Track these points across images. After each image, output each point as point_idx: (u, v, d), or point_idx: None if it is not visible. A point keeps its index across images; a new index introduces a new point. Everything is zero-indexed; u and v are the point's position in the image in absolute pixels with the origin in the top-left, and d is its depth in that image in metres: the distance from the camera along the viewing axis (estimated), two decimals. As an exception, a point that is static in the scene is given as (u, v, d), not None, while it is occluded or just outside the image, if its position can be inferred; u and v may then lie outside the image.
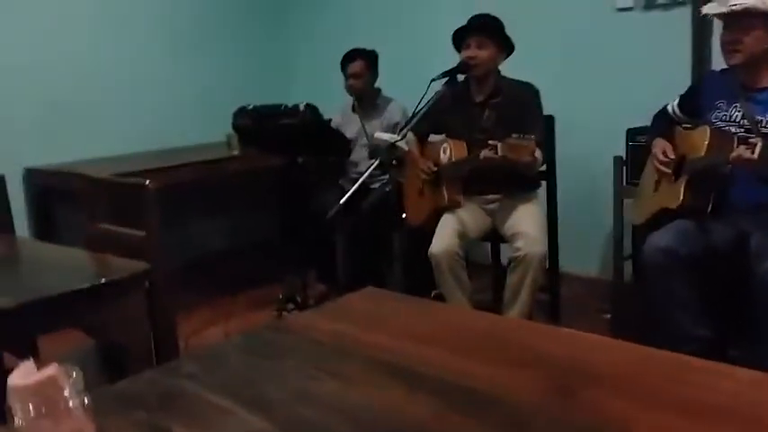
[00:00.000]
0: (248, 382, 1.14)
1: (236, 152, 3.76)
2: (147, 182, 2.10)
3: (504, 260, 2.85)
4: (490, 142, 2.45)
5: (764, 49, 2.25)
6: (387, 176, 2.74)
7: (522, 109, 2.79)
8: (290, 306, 3.30)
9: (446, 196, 2.85)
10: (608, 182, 3.01)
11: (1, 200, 2.63)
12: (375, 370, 1.16)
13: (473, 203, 2.91)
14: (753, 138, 2.17)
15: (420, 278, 2.82)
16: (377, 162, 2.60)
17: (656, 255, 2.34)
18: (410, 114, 3.00)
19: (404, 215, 2.99)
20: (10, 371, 0.89)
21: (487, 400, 1.03)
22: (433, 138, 3.09)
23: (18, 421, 0.85)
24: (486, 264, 3.35)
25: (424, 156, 3.02)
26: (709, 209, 2.34)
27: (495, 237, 2.98)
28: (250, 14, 4.66)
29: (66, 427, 0.86)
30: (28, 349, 1.88)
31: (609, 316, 3.11)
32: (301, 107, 3.04)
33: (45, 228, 3.61)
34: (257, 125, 3.19)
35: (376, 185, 3.39)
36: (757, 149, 2.00)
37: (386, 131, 3.35)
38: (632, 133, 2.94)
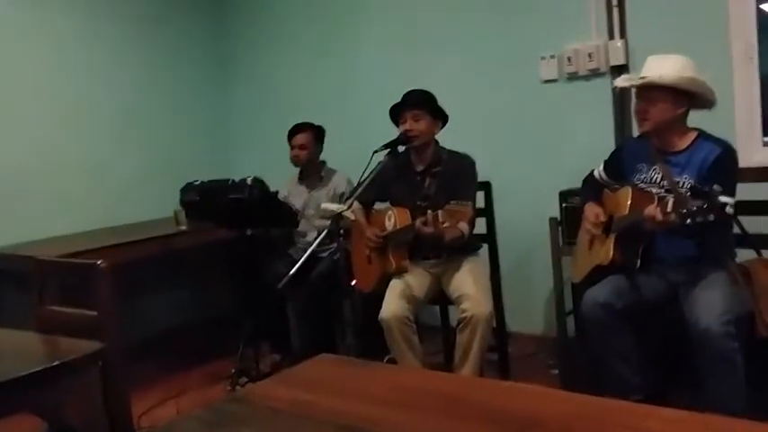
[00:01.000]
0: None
1: (183, 227, 3.79)
2: (99, 262, 2.12)
3: (453, 321, 2.92)
4: (429, 212, 2.58)
5: (671, 117, 2.43)
6: (335, 245, 2.82)
7: (460, 178, 2.94)
8: (244, 380, 3.29)
9: (393, 263, 2.94)
10: (546, 242, 3.16)
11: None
12: (333, 434, 1.20)
13: (419, 268, 3.01)
14: (668, 195, 2.35)
15: (372, 344, 2.87)
16: (325, 232, 2.69)
17: (594, 310, 2.46)
18: (355, 184, 3.11)
19: (353, 282, 3.05)
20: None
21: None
22: (378, 206, 3.20)
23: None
24: (436, 325, 3.43)
25: (371, 223, 3.12)
26: (638, 264, 2.49)
27: (443, 299, 3.06)
28: (193, 92, 4.78)
29: None
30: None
31: (557, 371, 3.22)
32: (249, 181, 3.12)
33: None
34: (205, 200, 3.24)
35: (325, 254, 3.47)
36: (670, 204, 2.14)
37: (332, 202, 3.45)
38: (564, 195, 3.12)
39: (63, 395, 1.81)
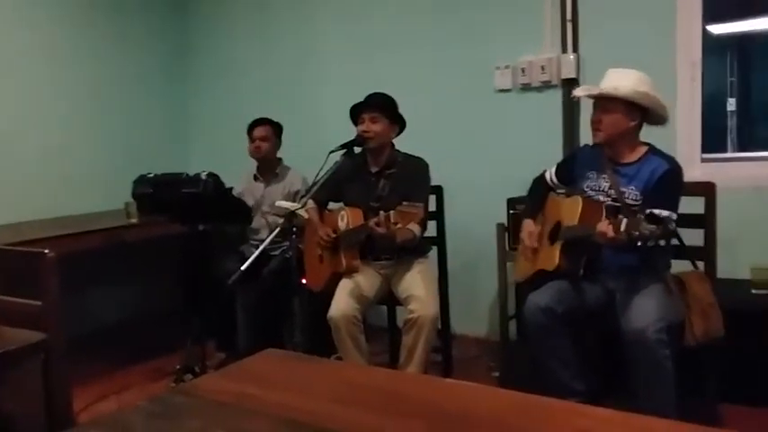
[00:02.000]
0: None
1: (134, 220, 3.73)
2: (46, 251, 2.10)
3: (399, 323, 2.97)
4: (381, 213, 2.62)
5: (624, 129, 2.53)
6: (287, 243, 2.83)
7: (414, 180, 3.00)
8: (188, 376, 3.26)
9: (344, 262, 2.97)
10: (492, 247, 3.24)
11: None
12: (279, 428, 1.22)
13: (370, 268, 3.05)
14: (617, 205, 2.45)
15: (320, 342, 2.89)
16: (277, 229, 2.70)
17: (536, 314, 2.53)
18: (310, 183, 3.13)
19: (303, 281, 3.07)
20: None
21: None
22: (332, 205, 3.23)
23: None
24: (383, 326, 3.47)
25: (324, 222, 3.14)
26: (581, 272, 2.58)
27: (391, 300, 3.11)
28: (150, 83, 4.72)
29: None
30: None
31: (497, 374, 3.30)
32: (203, 176, 3.10)
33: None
34: (158, 193, 3.21)
35: (277, 252, 3.48)
36: (623, 224, 2.20)
37: (287, 199, 3.46)
38: (512, 202, 3.21)
39: (2, 384, 1.79)
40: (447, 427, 1.20)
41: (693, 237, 2.64)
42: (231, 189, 3.32)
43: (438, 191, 3.28)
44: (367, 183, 3.08)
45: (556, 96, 3.46)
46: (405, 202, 2.56)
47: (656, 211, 2.16)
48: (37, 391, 1.92)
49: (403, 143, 3.12)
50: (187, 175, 3.15)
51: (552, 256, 2.58)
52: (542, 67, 3.48)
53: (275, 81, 4.50)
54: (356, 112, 3.05)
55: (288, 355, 1.78)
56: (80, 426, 1.84)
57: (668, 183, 2.46)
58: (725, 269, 2.74)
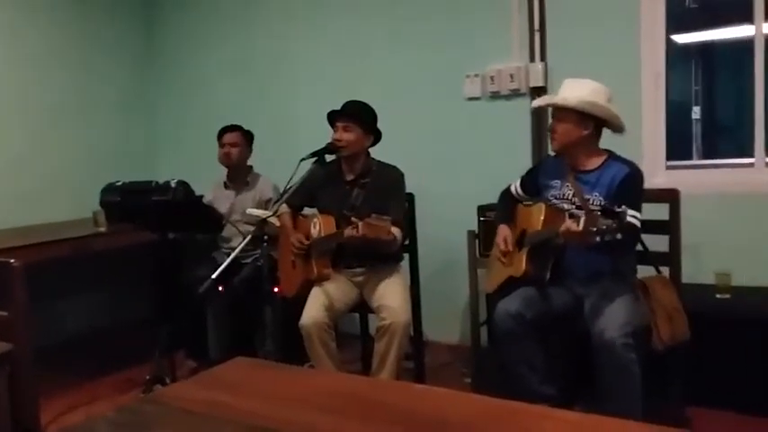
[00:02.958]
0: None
1: (102, 229, 3.69)
2: (12, 260, 2.07)
3: (372, 330, 2.98)
4: (353, 220, 2.63)
5: (576, 138, 2.57)
6: (259, 251, 2.82)
7: (388, 189, 3.01)
8: (158, 387, 3.22)
9: (315, 270, 2.97)
10: (464, 254, 3.27)
11: None
12: (249, 435, 1.22)
13: (341, 276, 3.05)
14: (579, 212, 2.49)
15: (292, 351, 2.88)
16: (249, 237, 2.69)
17: (506, 320, 2.56)
18: (281, 191, 3.12)
19: (276, 289, 3.06)
20: None
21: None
22: (306, 211, 3.23)
23: None
24: (355, 334, 3.47)
25: (297, 229, 3.14)
26: (548, 276, 2.62)
27: (363, 307, 3.11)
28: (119, 91, 4.68)
29: None
30: None
31: (469, 380, 3.32)
32: (173, 183, 3.08)
33: None
34: (126, 201, 3.17)
35: (248, 260, 3.47)
36: (581, 222, 2.25)
37: (258, 207, 3.45)
38: (482, 209, 3.24)
39: (-33, 397, 1.76)
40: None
41: (658, 243, 2.69)
42: (201, 197, 3.29)
43: (410, 198, 3.30)
44: (341, 191, 3.08)
45: (524, 104, 3.51)
46: (374, 215, 2.56)
47: (609, 206, 2.21)
48: (2, 404, 1.89)
49: (374, 150, 3.14)
50: (156, 183, 3.12)
51: (519, 263, 2.61)
52: (511, 76, 3.53)
53: (246, 88, 4.48)
54: (332, 120, 3.06)
55: (258, 362, 1.78)
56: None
57: (629, 185, 2.51)
58: (689, 274, 2.79)
